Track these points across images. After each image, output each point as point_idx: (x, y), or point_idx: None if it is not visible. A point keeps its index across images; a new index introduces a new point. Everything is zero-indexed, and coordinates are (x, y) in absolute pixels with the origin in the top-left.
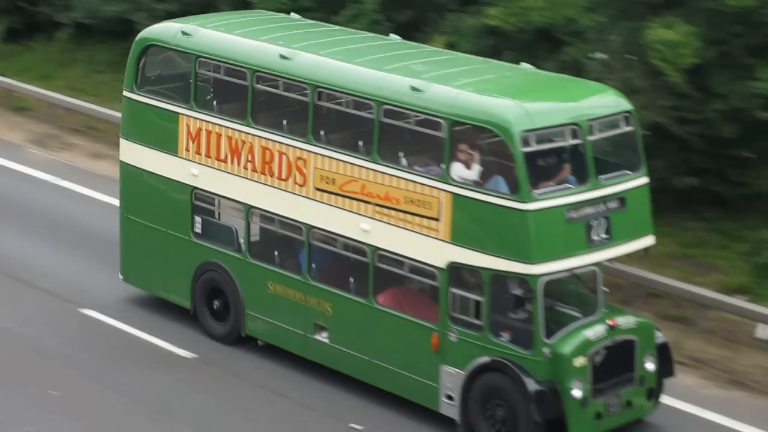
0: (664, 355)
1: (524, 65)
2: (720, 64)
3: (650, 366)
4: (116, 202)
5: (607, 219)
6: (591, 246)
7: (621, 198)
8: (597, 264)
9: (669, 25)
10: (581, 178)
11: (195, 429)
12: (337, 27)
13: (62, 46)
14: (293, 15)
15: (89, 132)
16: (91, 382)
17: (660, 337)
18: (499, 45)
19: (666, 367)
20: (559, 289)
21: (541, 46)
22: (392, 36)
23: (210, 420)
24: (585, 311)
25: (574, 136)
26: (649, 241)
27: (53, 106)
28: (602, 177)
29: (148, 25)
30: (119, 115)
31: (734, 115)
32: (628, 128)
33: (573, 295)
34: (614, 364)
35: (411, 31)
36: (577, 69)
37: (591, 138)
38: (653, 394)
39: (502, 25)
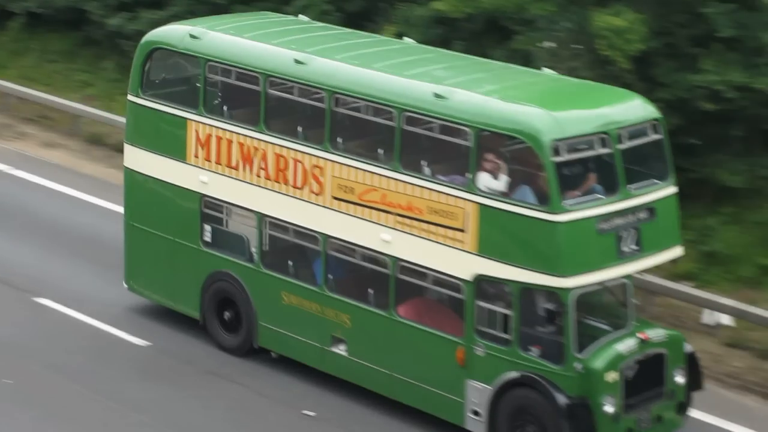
0: (692, 368)
1: (546, 71)
2: (665, 54)
3: (680, 379)
4: (70, 191)
5: (637, 230)
6: (621, 258)
7: (650, 208)
8: (627, 276)
9: (616, 14)
10: (611, 188)
11: (149, 416)
12: (348, 30)
13: (14, 36)
14: (301, 17)
15: (42, 121)
16: (45, 371)
17: (689, 349)
18: (448, 34)
19: (694, 380)
20: (588, 301)
21: (491, 36)
22: (406, 39)
23: (164, 407)
24: (614, 324)
25: (604, 144)
26: (677, 251)
27: (6, 96)
28: (631, 187)
29: (101, 15)
30: (72, 104)
31: (679, 105)
32: (657, 136)
33: (601, 308)
34: (645, 378)
35: (361, 21)
36: (525, 58)
37: (620, 147)
38: (682, 408)
39: (452, 12)
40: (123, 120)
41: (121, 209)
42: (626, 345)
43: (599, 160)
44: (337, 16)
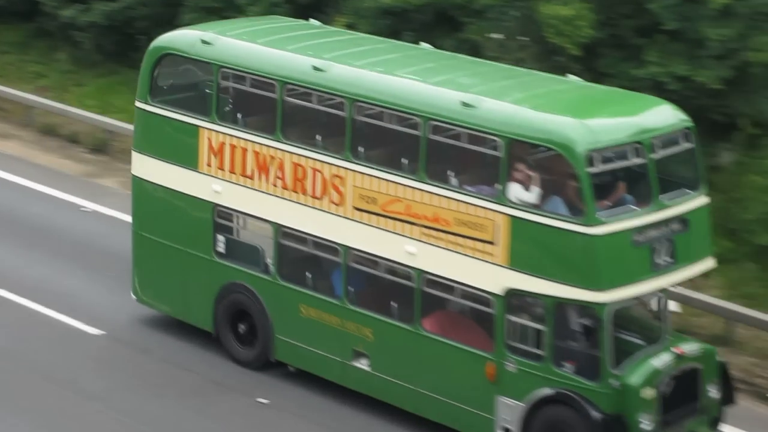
0: (725, 382)
1: (571, 77)
2: (610, 45)
3: (714, 394)
4: (23, 181)
5: (671, 242)
6: (656, 270)
7: (684, 219)
8: (663, 289)
9: (564, 3)
10: (644, 198)
11: (104, 405)
12: (363, 35)
13: None
14: (312, 21)
15: None
16: (0, 361)
17: (721, 363)
18: (398, 25)
19: (727, 395)
20: (621, 314)
21: (441, 26)
22: (423, 45)
23: (119, 396)
24: (648, 338)
25: (638, 154)
26: (710, 263)
27: None
28: (664, 197)
29: (53, 6)
30: (25, 95)
31: None
32: (688, 145)
33: (634, 322)
34: (681, 394)
35: (312, 12)
36: (474, 49)
37: (654, 156)
38: (715, 423)
39: (401, 3)
40: (76, 110)
41: (74, 199)
42: (662, 360)
43: (631, 170)
44: (287, 8)
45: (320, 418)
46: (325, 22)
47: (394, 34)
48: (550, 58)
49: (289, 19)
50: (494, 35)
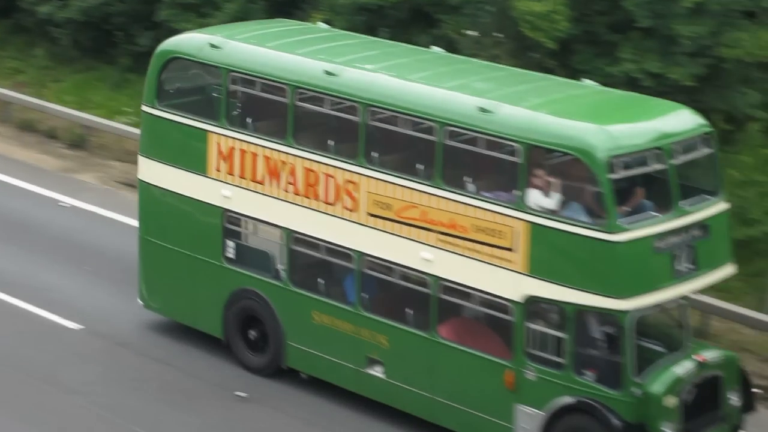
0: (745, 388)
1: (587, 81)
2: (584, 41)
3: (735, 402)
4: (1, 176)
5: (692, 248)
6: (677, 277)
7: (704, 225)
8: (684, 296)
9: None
10: (664, 204)
11: (83, 399)
12: (373, 38)
13: None
14: (320, 24)
15: None
16: None
17: (741, 369)
18: (373, 22)
19: (747, 402)
20: (641, 322)
21: (416, 23)
22: (434, 48)
23: (98, 389)
24: (669, 345)
25: (658, 160)
26: (730, 269)
27: None
28: (685, 203)
29: (31, 3)
30: (2, 91)
31: None
32: (708, 150)
33: (655, 329)
34: (703, 402)
35: (288, 9)
36: (449, 46)
37: (674, 162)
38: (735, 430)
39: (377, 0)
40: (54, 106)
41: (52, 194)
42: (684, 368)
43: (651, 176)
44: (262, 5)
45: (295, 410)
46: (301, 18)
47: (369, 30)
48: (525, 55)
49: (296, 22)
50: (469, 32)
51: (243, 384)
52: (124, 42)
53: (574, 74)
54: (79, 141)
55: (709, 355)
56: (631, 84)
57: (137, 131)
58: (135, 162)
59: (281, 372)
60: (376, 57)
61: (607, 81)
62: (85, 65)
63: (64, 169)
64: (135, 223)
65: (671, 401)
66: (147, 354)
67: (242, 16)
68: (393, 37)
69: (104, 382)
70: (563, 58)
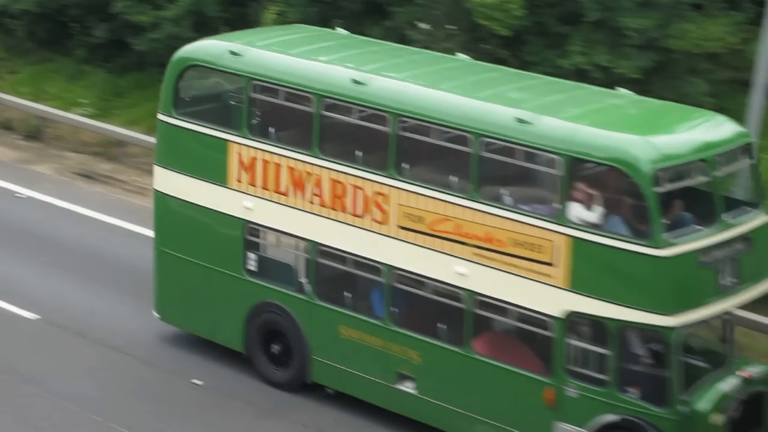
0: None
1: (621, 90)
2: (535, 32)
3: None
4: None
5: (736, 261)
6: (721, 292)
7: (747, 238)
8: (728, 311)
9: None
10: (708, 218)
11: (40, 388)
12: (396, 45)
13: None
14: (339, 30)
15: None
16: None
17: None
18: (327, 13)
19: None
20: (686, 338)
21: (369, 15)
22: (459, 55)
23: (55, 379)
24: (713, 362)
25: (702, 172)
26: None
27: None
28: (727, 216)
29: None
30: None
31: None
32: (749, 161)
33: (697, 344)
34: (747, 419)
35: (243, 0)
36: (402, 38)
37: (718, 174)
38: None
39: None
40: (9, 97)
41: (8, 185)
42: (730, 384)
43: (693, 188)
44: None
45: (252, 397)
46: (256, 10)
47: (323, 21)
48: (477, 46)
49: (314, 28)
50: (422, 24)
51: (199, 372)
52: (80, 33)
53: (525, 66)
54: (35, 132)
55: (755, 370)
56: (580, 76)
57: (93, 122)
58: (91, 153)
59: (306, 387)
60: (402, 65)
61: (557, 73)
62: (40, 57)
63: (20, 160)
64: (90, 213)
65: (718, 419)
66: (104, 343)
67: (196, 8)
68: (346, 29)
69: (61, 371)
70: (515, 49)
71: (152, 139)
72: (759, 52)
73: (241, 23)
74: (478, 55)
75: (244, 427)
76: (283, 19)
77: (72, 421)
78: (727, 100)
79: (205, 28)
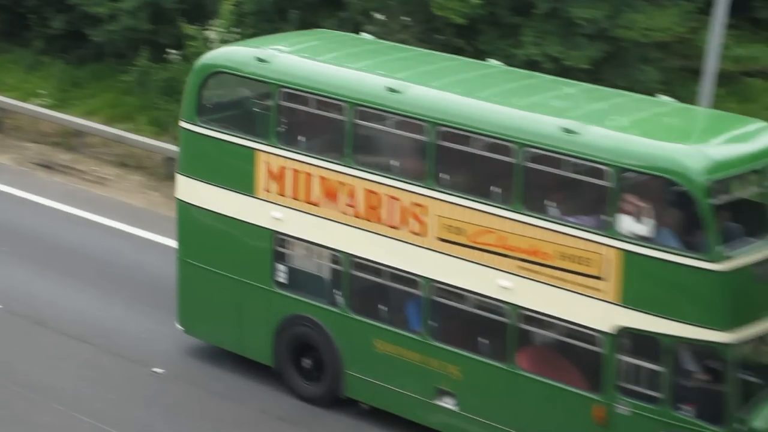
0: None
1: (663, 98)
2: (489, 22)
3: None
4: None
5: None
6: None
7: None
8: None
9: None
10: (760, 230)
11: (1, 378)
12: (426, 51)
13: None
14: (364, 35)
15: None
16: None
17: None
18: (282, 4)
19: None
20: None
21: (325, 6)
22: (491, 61)
23: (15, 369)
24: (764, 377)
25: (756, 183)
26: None
27: None
28: None
29: None
30: None
31: None
32: None
33: (752, 359)
34: None
35: None
36: (356, 28)
37: None
38: None
39: None
40: None
41: None
42: None
43: (746, 199)
44: None
45: (210, 383)
46: (213, 1)
47: (279, 12)
48: (432, 37)
49: (338, 32)
50: (378, 15)
51: (160, 361)
52: (38, 25)
53: (479, 55)
54: None
55: None
56: (532, 66)
57: (52, 113)
58: (50, 143)
59: (339, 402)
60: (436, 72)
61: (510, 62)
62: None
63: None
64: (49, 203)
65: None
66: (65, 332)
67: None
68: (302, 20)
69: (22, 361)
70: (469, 38)
71: (111, 129)
72: (708, 41)
73: (198, 14)
74: (434, 45)
75: (205, 411)
76: (239, 10)
77: (34, 410)
78: (678, 88)
79: (162, 19)
